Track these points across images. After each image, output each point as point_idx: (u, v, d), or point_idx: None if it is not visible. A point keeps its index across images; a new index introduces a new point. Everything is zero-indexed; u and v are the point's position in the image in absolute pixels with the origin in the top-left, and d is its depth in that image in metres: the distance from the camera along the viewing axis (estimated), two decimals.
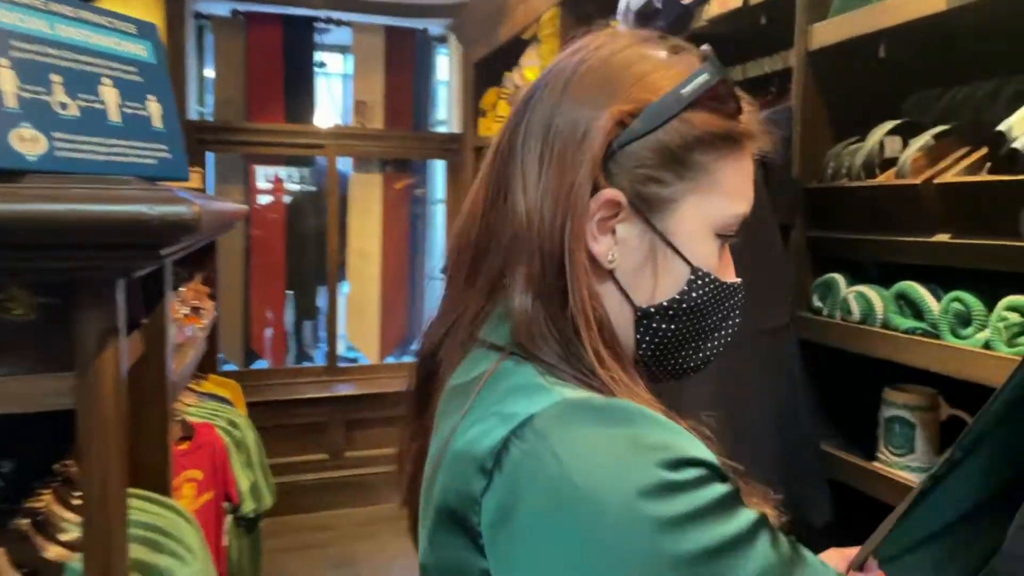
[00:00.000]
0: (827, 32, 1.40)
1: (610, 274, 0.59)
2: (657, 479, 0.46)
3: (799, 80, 1.47)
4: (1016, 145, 1.06)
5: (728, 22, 1.67)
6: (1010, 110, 1.22)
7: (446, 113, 4.30)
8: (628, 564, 0.44)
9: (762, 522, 0.49)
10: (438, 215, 4.57)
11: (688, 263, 0.60)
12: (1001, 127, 1.08)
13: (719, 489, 0.48)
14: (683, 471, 0.47)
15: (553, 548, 0.46)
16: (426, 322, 0.69)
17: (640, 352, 0.61)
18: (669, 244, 0.59)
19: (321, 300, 4.22)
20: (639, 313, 0.60)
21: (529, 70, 2.83)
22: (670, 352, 0.62)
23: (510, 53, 3.28)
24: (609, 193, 0.58)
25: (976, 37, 1.27)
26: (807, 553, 0.52)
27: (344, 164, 4.14)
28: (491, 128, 3.39)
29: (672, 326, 0.61)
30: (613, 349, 0.58)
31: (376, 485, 3.74)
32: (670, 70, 0.60)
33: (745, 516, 0.48)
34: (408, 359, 4.37)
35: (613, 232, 0.59)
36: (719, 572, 0.45)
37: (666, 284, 0.60)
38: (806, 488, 1.39)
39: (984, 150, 1.16)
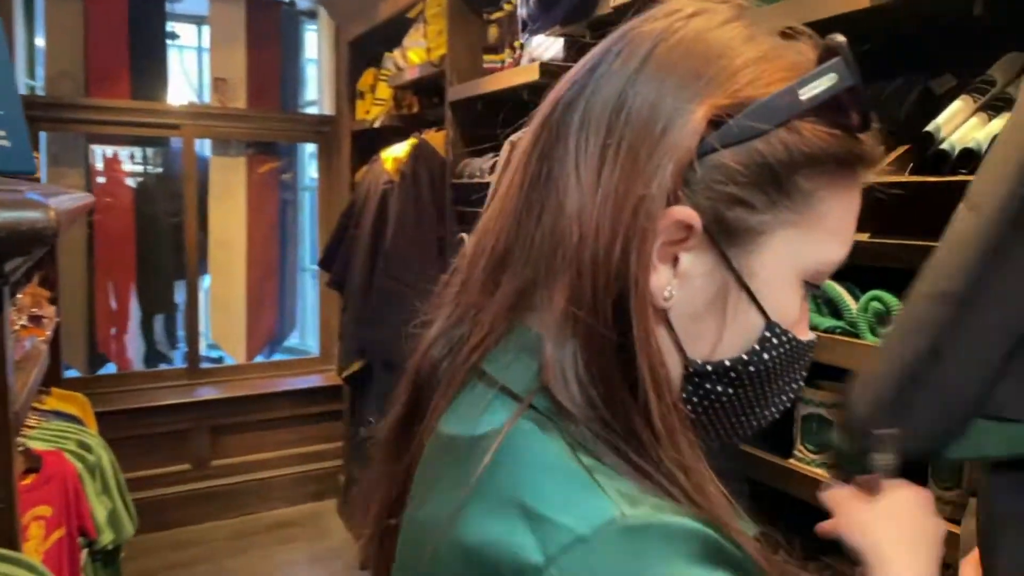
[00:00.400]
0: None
1: (663, 315, 0.46)
2: None
3: None
4: (944, 147, 1.07)
5: (637, 10, 1.61)
6: (918, 109, 1.24)
7: (316, 93, 4.03)
8: None
9: None
10: (308, 202, 4.31)
11: (765, 315, 0.47)
12: (929, 128, 1.09)
13: None
14: None
15: None
16: (413, 326, 0.55)
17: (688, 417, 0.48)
18: (745, 288, 0.46)
19: (179, 296, 3.86)
20: (691, 369, 0.47)
21: (413, 52, 2.68)
22: (719, 419, 0.50)
23: (389, 32, 3.10)
24: (682, 212, 0.44)
25: (883, 37, 1.28)
26: None
27: (203, 147, 3.79)
28: (371, 111, 3.20)
29: (730, 390, 0.48)
30: (674, 413, 0.44)
31: (247, 494, 3.49)
32: (781, 60, 0.47)
33: None
34: (282, 356, 4.12)
35: (675, 262, 0.46)
36: None
37: (732, 338, 0.47)
38: (725, 487, 1.38)
39: (904, 148, 1.16)
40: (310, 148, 4.14)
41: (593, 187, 0.45)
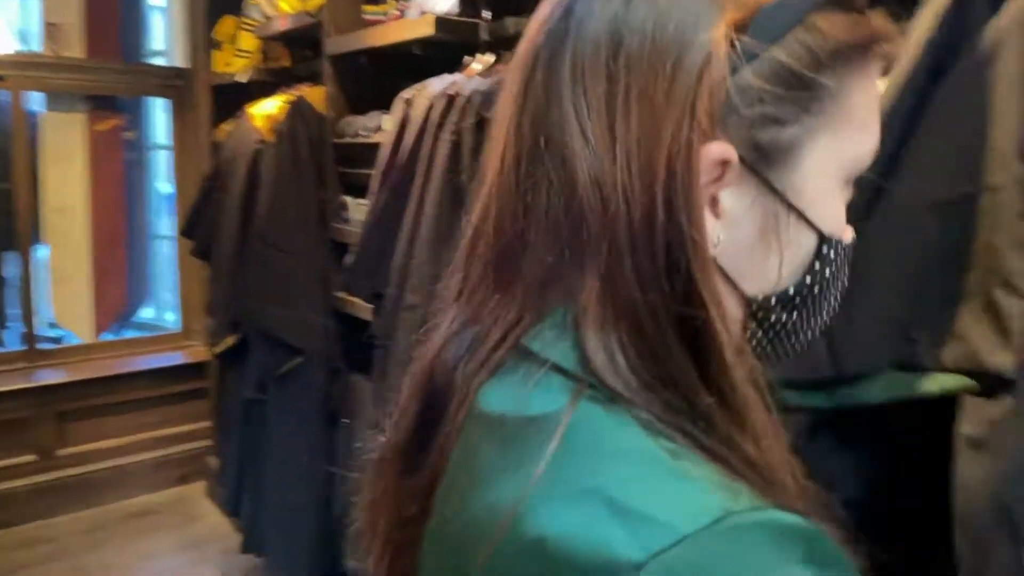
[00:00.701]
0: None
1: (711, 261, 0.41)
2: None
3: None
4: None
5: None
6: None
7: (165, 43, 3.66)
8: None
9: None
10: (160, 162, 3.94)
11: (817, 230, 0.44)
12: None
13: None
14: None
15: None
16: (416, 331, 0.49)
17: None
18: (795, 210, 0.43)
19: (10, 269, 3.42)
20: (754, 306, 0.44)
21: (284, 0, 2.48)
22: (780, 344, 0.47)
23: None
24: (718, 148, 0.40)
25: None
26: None
27: (33, 101, 3.35)
28: (231, 63, 2.95)
29: (794, 315, 0.45)
30: (746, 380, 0.40)
31: (101, 484, 3.20)
32: None
33: None
34: (134, 333, 3.78)
35: (713, 203, 0.41)
36: None
37: (791, 264, 0.44)
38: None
39: None
40: (159, 103, 3.77)
41: (609, 148, 0.39)
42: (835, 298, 0.47)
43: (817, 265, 0.45)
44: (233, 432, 2.75)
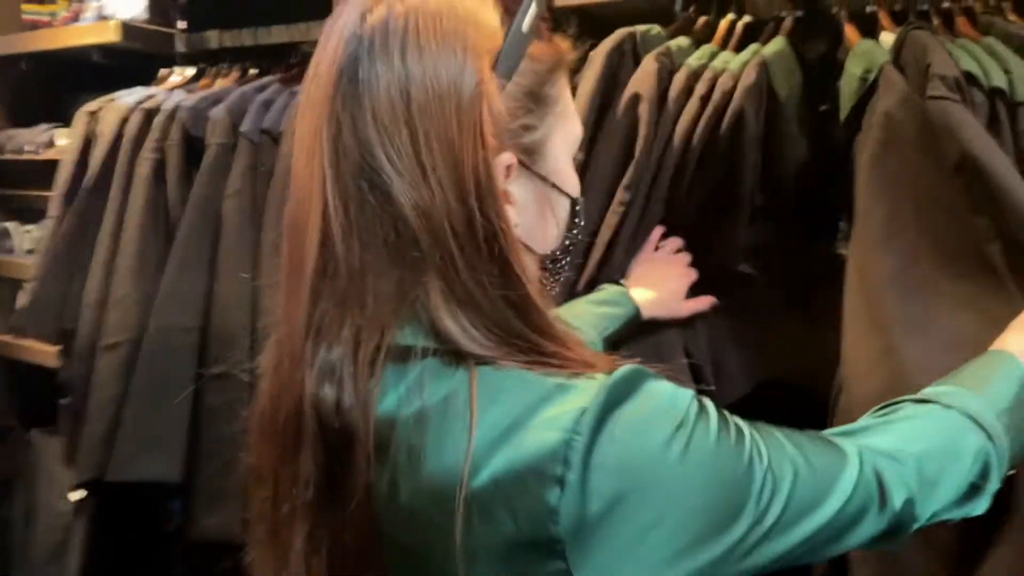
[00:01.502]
0: None
1: (517, 240, 0.55)
2: (683, 429, 0.50)
3: None
4: None
5: None
6: None
7: None
8: (697, 496, 0.50)
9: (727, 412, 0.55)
10: None
11: (569, 196, 0.61)
12: None
13: (709, 406, 0.53)
14: (690, 411, 0.51)
15: (634, 517, 0.48)
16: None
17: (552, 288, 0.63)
18: (554, 187, 0.59)
19: None
20: (547, 261, 0.61)
21: None
22: (561, 278, 0.64)
23: None
24: (506, 157, 0.53)
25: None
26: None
27: None
28: None
29: (568, 258, 0.63)
30: (546, 315, 0.55)
31: None
32: (487, 5, 0.55)
33: (725, 413, 0.54)
34: None
35: (506, 196, 0.54)
36: (743, 457, 0.52)
37: (560, 222, 0.61)
38: None
39: None
40: None
41: (423, 180, 0.50)
42: (577, 244, 0.65)
43: (574, 219, 0.62)
44: None
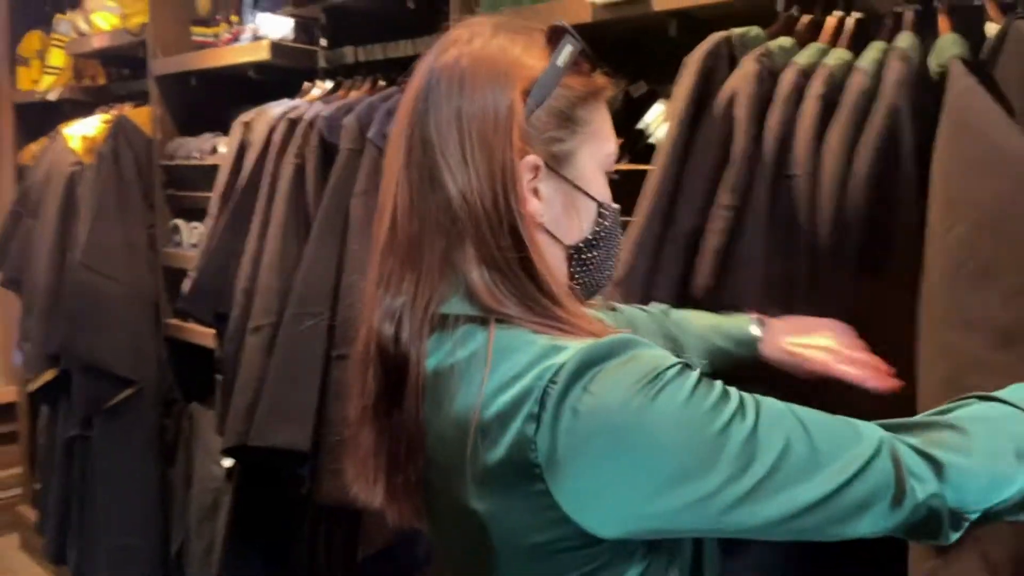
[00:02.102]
0: None
1: (541, 227, 0.68)
2: (654, 383, 0.58)
3: None
4: (651, 140, 1.31)
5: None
6: (621, 108, 1.48)
7: None
8: (660, 445, 0.58)
9: (723, 385, 0.61)
10: None
11: (595, 200, 0.72)
12: (640, 125, 1.32)
13: (693, 373, 0.61)
14: (668, 371, 0.60)
15: (604, 456, 0.58)
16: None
17: (574, 281, 0.72)
18: (580, 189, 0.71)
19: None
20: (572, 251, 0.71)
21: (102, 14, 2.38)
22: (596, 274, 0.74)
23: None
24: (532, 159, 0.67)
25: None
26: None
27: None
28: (40, 81, 2.76)
29: (596, 253, 0.73)
30: (561, 285, 0.67)
31: None
32: (535, 48, 0.69)
33: (717, 382, 0.61)
34: None
35: (536, 192, 0.68)
36: (719, 421, 0.58)
37: (585, 221, 0.72)
38: None
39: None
40: None
41: (464, 171, 0.65)
42: (616, 250, 0.76)
43: (600, 220, 0.73)
44: (54, 475, 2.54)
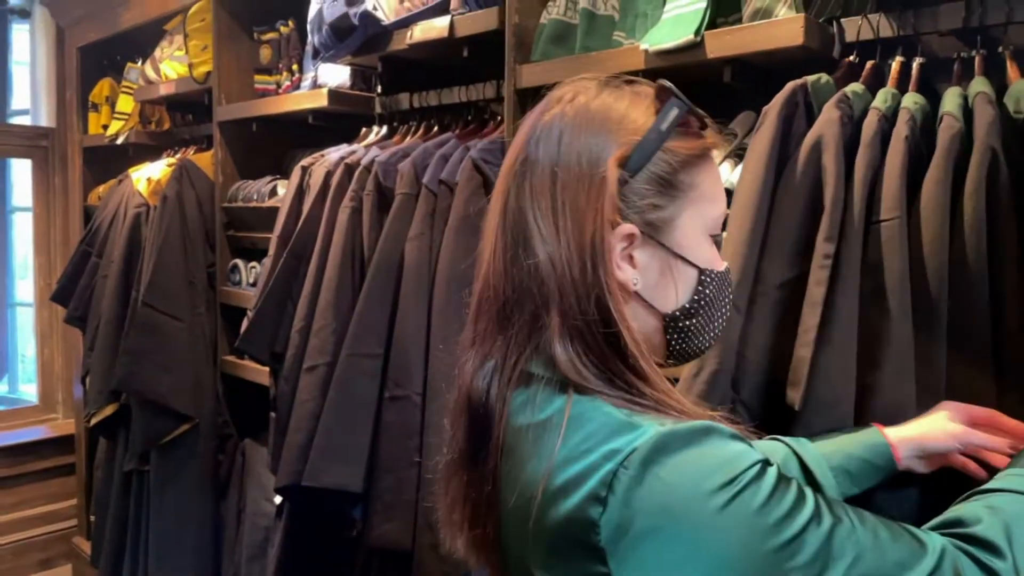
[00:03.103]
0: (534, 74, 1.53)
1: (635, 294, 0.68)
2: (731, 486, 0.57)
3: (509, 113, 1.58)
4: None
5: (429, 49, 1.71)
6: None
7: (29, 102, 3.51)
8: (727, 551, 0.56)
9: (799, 486, 0.60)
10: (16, 225, 3.72)
11: (696, 267, 0.70)
12: None
13: (772, 474, 0.59)
14: (746, 473, 0.58)
15: (671, 551, 0.57)
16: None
17: (670, 350, 0.71)
18: (680, 257, 0.69)
19: None
20: (667, 320, 0.70)
21: (171, 63, 2.49)
22: (694, 341, 0.72)
23: (128, 41, 2.85)
24: (626, 228, 0.66)
25: None
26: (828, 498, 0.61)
27: None
28: (109, 126, 2.89)
29: (695, 320, 0.71)
30: (650, 361, 0.66)
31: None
32: (640, 107, 0.68)
33: (793, 484, 0.59)
34: None
35: (631, 258, 0.67)
36: (793, 528, 0.57)
37: (684, 289, 0.70)
38: None
39: None
40: (19, 164, 3.58)
41: (556, 237, 0.65)
42: (721, 314, 0.73)
43: (700, 288, 0.71)
44: (110, 508, 2.60)
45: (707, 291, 0.71)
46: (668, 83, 0.69)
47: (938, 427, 0.87)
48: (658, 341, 0.71)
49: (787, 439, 0.92)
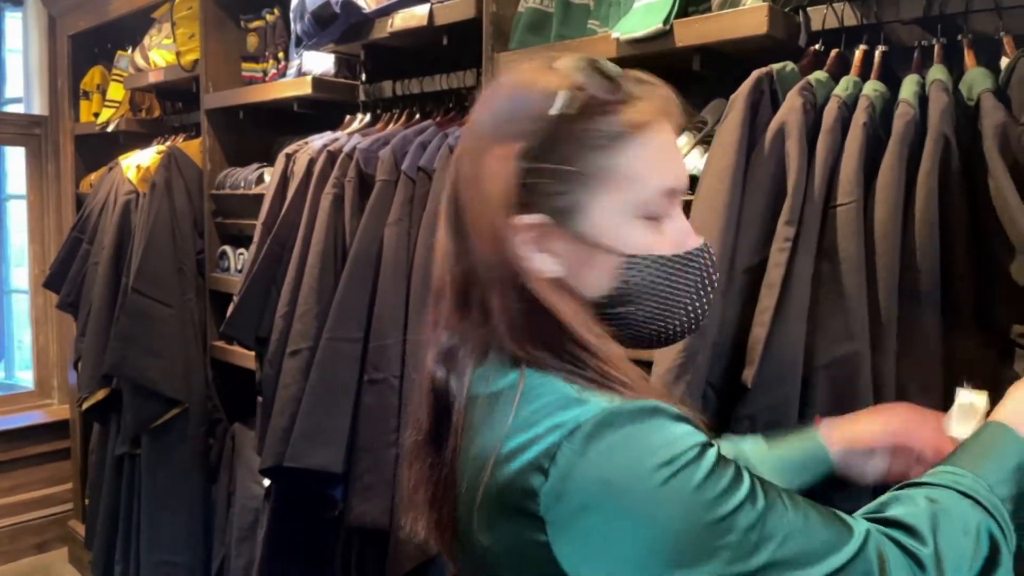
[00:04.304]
0: (511, 62, 1.55)
1: (560, 281, 0.67)
2: (671, 464, 0.58)
3: None
4: None
5: (409, 37, 1.73)
6: None
7: (23, 90, 3.53)
8: (664, 527, 0.58)
9: (737, 467, 0.61)
10: (10, 213, 3.74)
11: (618, 251, 0.67)
12: None
13: (711, 455, 0.60)
14: (687, 453, 0.59)
15: (609, 526, 0.58)
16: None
17: (617, 336, 0.68)
18: (593, 243, 0.67)
19: None
20: (596, 307, 0.68)
21: (159, 51, 2.51)
22: (645, 328, 0.70)
23: (121, 29, 2.86)
24: (528, 218, 0.66)
25: None
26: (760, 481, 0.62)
27: None
28: (100, 114, 2.91)
29: (631, 307, 0.68)
30: (592, 331, 0.65)
31: None
32: (547, 92, 0.66)
33: (731, 465, 0.61)
34: None
35: (546, 247, 0.67)
36: (728, 506, 0.58)
37: (605, 276, 0.68)
38: None
39: None
40: (12, 152, 3.60)
41: (473, 231, 0.67)
42: (682, 298, 0.69)
43: (625, 273, 0.68)
44: (104, 491, 2.64)
45: (637, 277, 0.67)
46: (585, 60, 0.67)
47: (877, 423, 0.88)
48: (604, 326, 0.68)
49: (733, 437, 0.94)
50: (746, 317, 1.07)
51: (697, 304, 0.70)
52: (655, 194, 0.67)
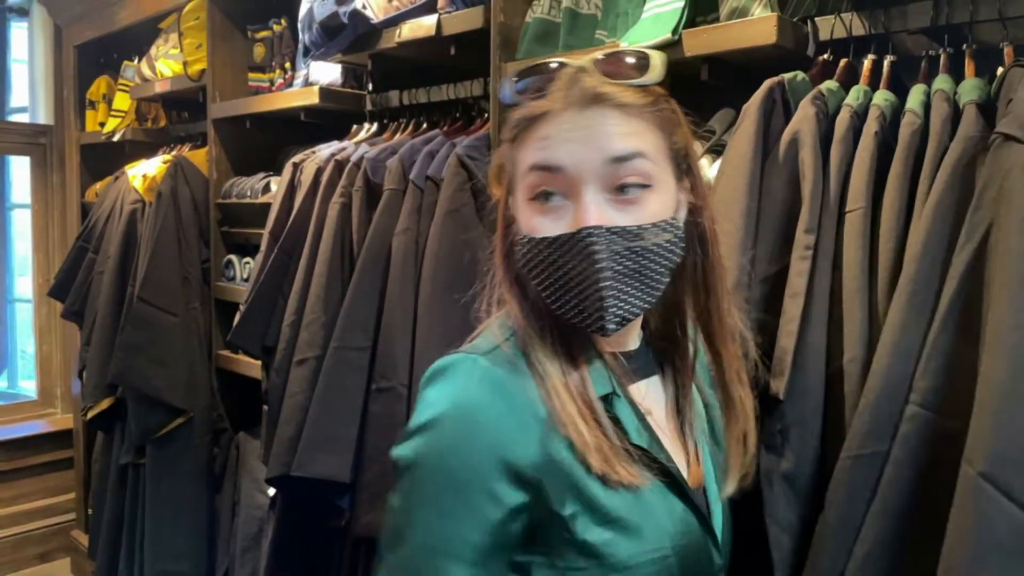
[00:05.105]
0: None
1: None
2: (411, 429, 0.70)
3: (495, 110, 1.60)
4: None
5: (417, 47, 1.74)
6: None
7: (28, 99, 3.54)
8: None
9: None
10: (15, 222, 3.75)
11: (522, 234, 0.74)
12: None
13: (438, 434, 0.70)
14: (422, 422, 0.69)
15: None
16: None
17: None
18: (511, 224, 0.77)
19: None
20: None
21: (166, 61, 2.52)
22: (557, 311, 0.72)
23: (127, 39, 2.88)
24: (495, 192, 0.80)
25: None
26: None
27: None
28: (105, 123, 2.92)
29: (540, 289, 0.73)
30: (512, 289, 0.76)
31: None
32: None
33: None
34: None
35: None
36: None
37: (519, 254, 0.76)
38: None
39: None
40: (17, 161, 3.62)
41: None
42: (553, 280, 0.71)
43: (523, 256, 0.73)
44: (107, 501, 2.63)
45: (525, 258, 0.72)
46: (555, 60, 0.72)
47: None
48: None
49: None
50: (766, 328, 1.06)
51: (592, 290, 0.68)
52: (525, 171, 0.71)
